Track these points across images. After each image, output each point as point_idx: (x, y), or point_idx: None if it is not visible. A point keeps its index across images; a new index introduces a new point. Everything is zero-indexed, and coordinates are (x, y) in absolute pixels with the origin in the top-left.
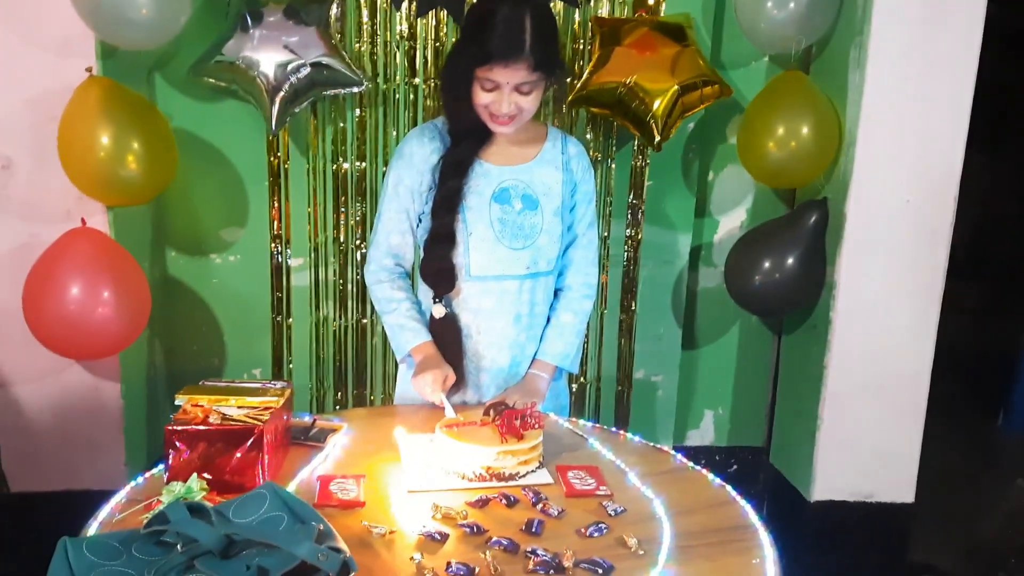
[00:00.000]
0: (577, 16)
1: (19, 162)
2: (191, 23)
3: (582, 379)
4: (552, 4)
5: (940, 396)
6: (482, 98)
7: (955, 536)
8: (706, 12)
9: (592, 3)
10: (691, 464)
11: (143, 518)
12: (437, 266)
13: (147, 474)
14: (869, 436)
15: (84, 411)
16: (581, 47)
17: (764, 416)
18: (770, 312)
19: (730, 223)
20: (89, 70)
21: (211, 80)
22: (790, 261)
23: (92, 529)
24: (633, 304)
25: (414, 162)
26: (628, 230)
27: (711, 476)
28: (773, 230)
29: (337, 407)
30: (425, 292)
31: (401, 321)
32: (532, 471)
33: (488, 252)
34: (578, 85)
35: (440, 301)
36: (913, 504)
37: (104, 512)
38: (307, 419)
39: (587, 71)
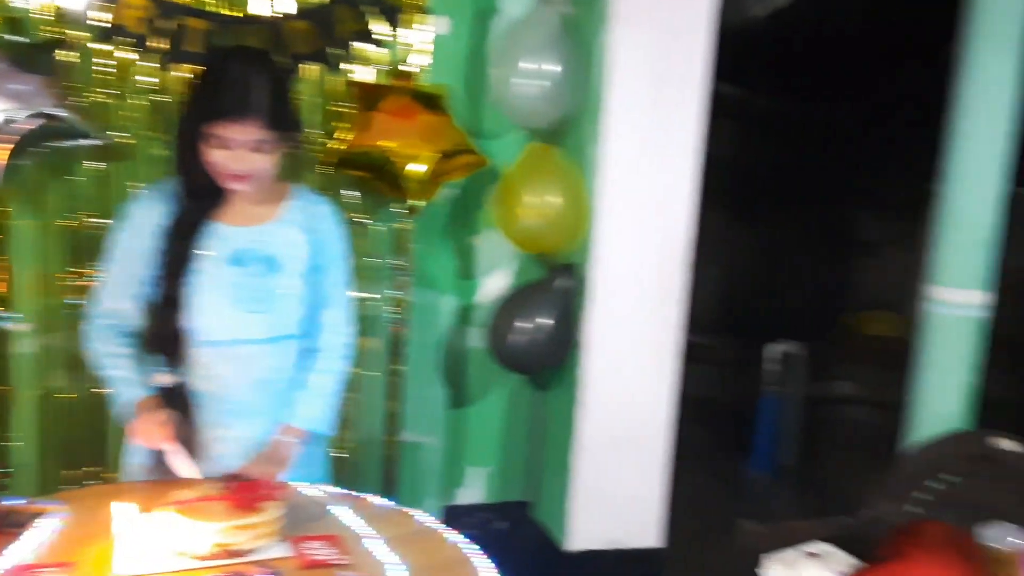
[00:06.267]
0: (335, 78)
1: None
2: None
3: (343, 444)
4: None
5: (691, 442)
6: (213, 156)
7: None
8: (468, 83)
9: (351, 67)
10: (432, 524)
11: None
12: (162, 332)
13: None
14: (618, 485)
15: None
16: (339, 109)
17: (529, 471)
18: (526, 370)
19: (493, 285)
20: None
21: None
22: (542, 322)
23: None
24: (401, 366)
25: (137, 224)
26: (395, 292)
27: (448, 535)
28: (528, 293)
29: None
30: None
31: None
32: (270, 545)
33: (220, 316)
34: (336, 148)
35: (167, 369)
36: (665, 549)
37: None
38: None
39: (345, 135)
